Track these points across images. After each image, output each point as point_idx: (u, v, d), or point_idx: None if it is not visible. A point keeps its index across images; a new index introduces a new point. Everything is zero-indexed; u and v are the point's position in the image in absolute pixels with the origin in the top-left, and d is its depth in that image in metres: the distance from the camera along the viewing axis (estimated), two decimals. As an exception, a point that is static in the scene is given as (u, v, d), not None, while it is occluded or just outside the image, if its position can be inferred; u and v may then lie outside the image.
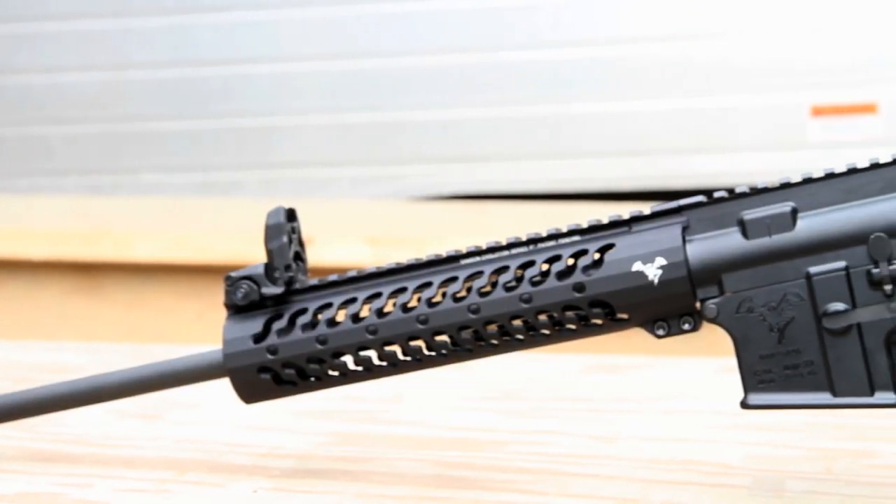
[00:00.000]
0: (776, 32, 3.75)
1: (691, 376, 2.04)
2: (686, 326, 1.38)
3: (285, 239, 1.48)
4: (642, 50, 3.87)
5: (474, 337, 1.42)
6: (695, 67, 3.81)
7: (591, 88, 3.92)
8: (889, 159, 1.31)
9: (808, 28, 3.73)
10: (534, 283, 1.39)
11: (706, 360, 2.06)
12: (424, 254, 1.46)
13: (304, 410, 1.80)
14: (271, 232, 1.48)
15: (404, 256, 1.48)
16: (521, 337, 1.42)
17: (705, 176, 3.67)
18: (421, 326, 1.42)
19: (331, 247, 3.37)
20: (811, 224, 1.32)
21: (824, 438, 1.63)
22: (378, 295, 1.45)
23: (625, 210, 1.40)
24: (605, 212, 1.42)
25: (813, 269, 1.32)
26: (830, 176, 1.33)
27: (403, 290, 1.44)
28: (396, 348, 1.45)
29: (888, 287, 1.30)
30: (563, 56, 3.93)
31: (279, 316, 1.48)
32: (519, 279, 1.40)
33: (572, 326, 1.40)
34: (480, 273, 1.42)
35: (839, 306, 1.31)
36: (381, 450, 1.66)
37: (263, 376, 1.48)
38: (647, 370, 2.08)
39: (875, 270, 1.30)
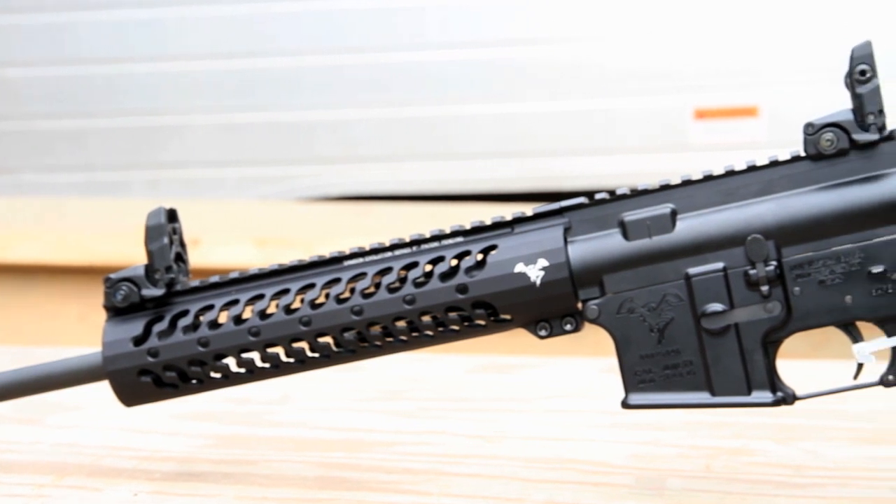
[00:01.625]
0: (660, 36, 3.79)
1: (576, 376, 2.05)
2: (568, 327, 1.39)
3: (166, 240, 1.46)
4: (529, 52, 3.89)
5: (358, 338, 1.42)
6: (580, 70, 3.85)
7: (478, 90, 3.93)
8: (766, 162, 1.34)
9: (691, 32, 3.78)
10: (417, 285, 1.39)
11: (591, 361, 2.08)
12: (313, 255, 1.45)
13: (185, 413, 1.78)
14: (151, 233, 1.46)
15: (292, 257, 1.47)
16: (404, 338, 1.42)
17: (590, 177, 3.71)
18: (304, 328, 1.42)
19: (218, 248, 3.34)
20: (690, 225, 1.34)
21: (704, 437, 1.65)
22: (261, 296, 1.44)
23: (508, 211, 1.41)
24: (491, 213, 1.42)
25: (692, 270, 1.34)
26: (709, 178, 1.35)
27: (286, 291, 1.44)
28: (279, 350, 1.44)
29: (765, 288, 1.32)
30: (451, 57, 3.94)
31: (160, 318, 1.46)
32: (402, 280, 1.40)
33: (455, 327, 1.41)
34: (364, 274, 1.42)
35: (717, 307, 1.33)
36: (264, 452, 1.65)
37: (144, 379, 1.46)
38: (532, 370, 2.09)
39: (752, 271, 1.32)
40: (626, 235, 1.35)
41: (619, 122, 3.88)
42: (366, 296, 1.40)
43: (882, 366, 1.32)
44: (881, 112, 1.29)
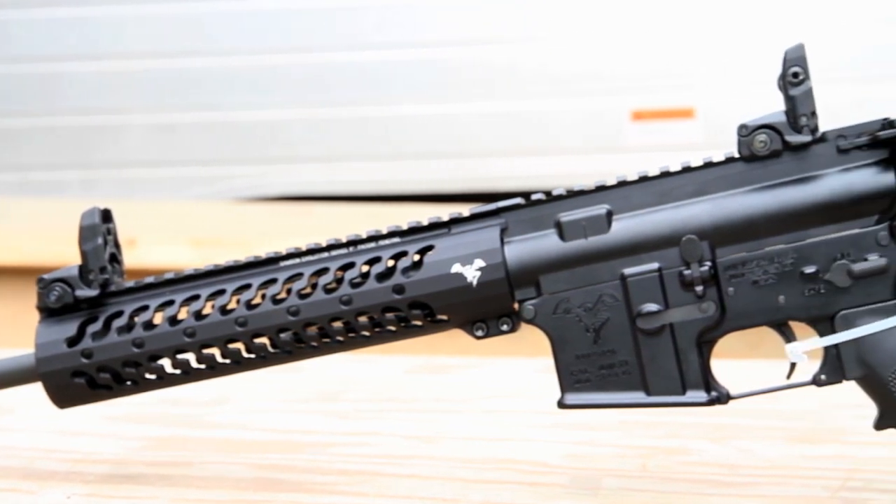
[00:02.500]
0: (597, 38, 3.81)
1: (514, 376, 2.06)
2: (504, 327, 1.39)
3: (100, 240, 1.45)
4: (466, 53, 3.89)
5: (294, 339, 1.42)
6: (517, 71, 3.86)
7: (416, 90, 3.93)
8: (700, 163, 1.35)
9: (628, 34, 3.80)
10: (353, 285, 1.39)
11: (529, 361, 2.08)
12: (249, 255, 1.44)
13: (120, 415, 1.77)
14: (85, 233, 1.45)
15: (229, 258, 1.46)
16: (341, 339, 1.42)
17: (527, 178, 3.72)
18: (240, 329, 1.41)
19: (154, 248, 3.32)
20: (626, 226, 1.35)
21: (640, 437, 1.66)
22: (196, 297, 1.43)
23: (445, 212, 1.41)
24: (428, 213, 1.42)
25: (627, 271, 1.34)
26: (644, 179, 1.36)
27: (222, 292, 1.43)
28: (215, 351, 1.43)
29: (699, 288, 1.33)
30: (388, 58, 3.94)
31: (94, 319, 1.45)
32: (339, 281, 1.40)
33: (392, 328, 1.41)
34: (300, 275, 1.41)
35: (652, 307, 1.34)
36: (200, 454, 1.64)
37: (77, 380, 1.45)
38: (470, 370, 2.10)
39: (687, 272, 1.33)
40: (562, 236, 1.36)
41: (556, 124, 3.89)
42: (302, 296, 1.40)
43: (815, 365, 1.33)
44: (813, 114, 1.30)
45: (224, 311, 1.42)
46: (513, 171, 3.90)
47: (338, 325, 1.40)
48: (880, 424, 1.33)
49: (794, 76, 1.29)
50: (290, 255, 1.43)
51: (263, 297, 1.41)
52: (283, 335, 1.41)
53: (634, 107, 3.84)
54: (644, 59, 3.83)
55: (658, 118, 3.83)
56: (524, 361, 2.11)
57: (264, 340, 1.42)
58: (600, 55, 3.86)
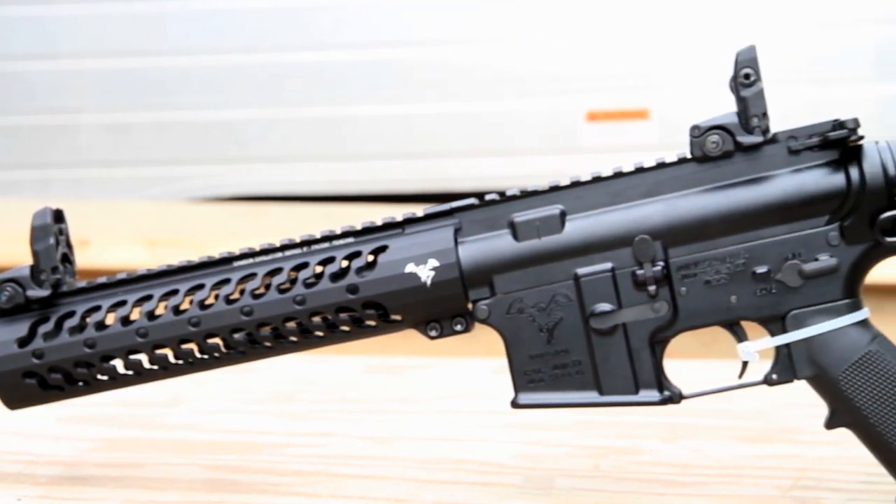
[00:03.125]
0: (552, 39, 3.81)
1: (469, 377, 2.06)
2: (458, 327, 1.39)
3: (52, 241, 1.44)
4: (422, 54, 3.89)
5: (248, 339, 1.41)
6: (473, 72, 3.86)
7: (372, 91, 3.92)
8: (653, 163, 1.35)
9: (583, 35, 3.81)
10: (307, 285, 1.39)
11: (484, 361, 2.09)
12: (203, 256, 1.44)
13: (71, 416, 1.75)
14: (37, 233, 1.44)
15: (183, 258, 1.46)
16: (295, 339, 1.42)
17: (482, 179, 3.72)
18: (193, 329, 1.40)
19: (108, 249, 3.29)
20: (579, 226, 1.35)
21: (593, 436, 1.66)
22: (149, 297, 1.43)
23: (400, 212, 1.41)
24: (384, 214, 1.42)
25: (581, 271, 1.35)
26: (598, 179, 1.36)
27: (175, 292, 1.42)
28: (168, 351, 1.43)
29: (652, 288, 1.33)
30: (345, 58, 3.93)
31: (45, 319, 1.44)
32: (293, 281, 1.40)
33: (346, 328, 1.40)
34: (254, 275, 1.41)
35: (605, 307, 1.34)
36: (153, 455, 1.63)
37: (29, 381, 1.44)
38: (425, 371, 2.10)
39: (640, 272, 1.34)
40: (515, 236, 1.36)
41: (511, 124, 3.89)
42: (256, 296, 1.40)
43: (767, 365, 1.34)
44: (765, 115, 1.31)
45: (177, 311, 1.41)
46: (468, 172, 3.90)
47: (291, 325, 1.40)
48: (831, 423, 1.34)
49: (745, 77, 1.30)
50: (243, 256, 1.42)
51: (217, 297, 1.41)
52: (236, 335, 1.41)
53: (589, 107, 3.84)
54: (599, 60, 3.84)
55: (613, 119, 3.84)
56: (480, 362, 2.11)
57: (218, 341, 1.42)
58: (556, 56, 3.86)
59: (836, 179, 1.30)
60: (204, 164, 4.11)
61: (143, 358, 1.43)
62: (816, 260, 1.31)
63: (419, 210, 1.40)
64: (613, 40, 3.83)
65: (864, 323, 1.32)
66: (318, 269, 1.39)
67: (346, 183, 3.98)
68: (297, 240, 1.41)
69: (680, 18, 3.80)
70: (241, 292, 1.40)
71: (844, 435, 1.34)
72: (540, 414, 1.49)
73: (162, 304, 1.42)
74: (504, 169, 3.87)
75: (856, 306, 1.32)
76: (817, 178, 1.30)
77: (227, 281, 1.41)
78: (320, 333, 1.41)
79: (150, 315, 1.42)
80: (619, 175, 1.35)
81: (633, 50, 3.83)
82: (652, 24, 3.83)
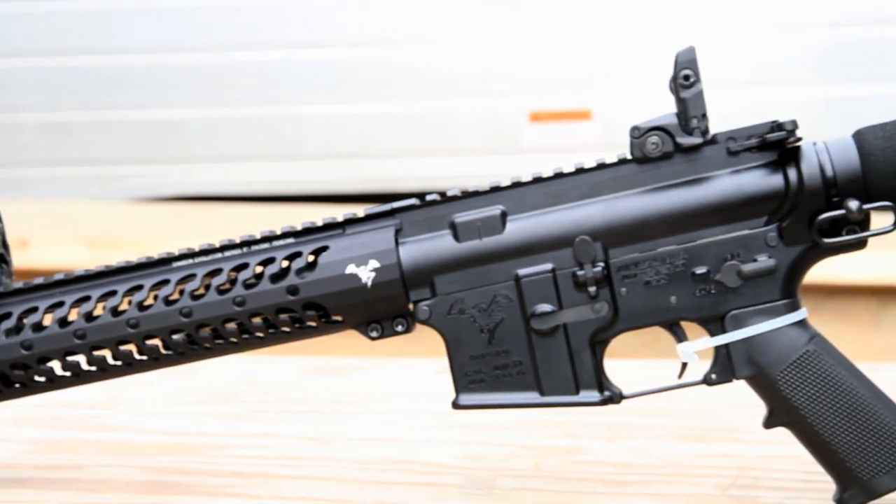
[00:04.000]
0: (495, 39, 3.82)
1: (411, 377, 2.06)
2: (399, 328, 1.39)
3: (-13, 241, 1.42)
4: (364, 53, 3.89)
5: (187, 340, 1.40)
6: (415, 72, 3.86)
7: (314, 90, 3.91)
8: (593, 164, 1.36)
9: (525, 36, 3.82)
10: (247, 286, 1.38)
11: (427, 361, 2.08)
12: (143, 256, 1.42)
13: (8, 418, 1.73)
14: (-28, 234, 1.42)
15: (124, 259, 1.44)
16: (234, 340, 1.41)
17: (425, 179, 3.71)
18: (132, 330, 1.39)
19: (47, 249, 3.27)
20: (520, 227, 1.35)
21: (535, 436, 1.67)
22: (87, 298, 1.41)
23: (341, 212, 1.41)
24: (326, 214, 1.42)
25: (521, 272, 1.35)
26: (538, 180, 1.36)
27: (113, 293, 1.41)
28: (106, 353, 1.42)
29: (592, 288, 1.34)
30: (286, 57, 3.91)
31: (-19, 321, 1.42)
32: (232, 282, 1.39)
33: (286, 329, 1.40)
34: (193, 276, 1.40)
35: (546, 307, 1.35)
36: (91, 457, 1.62)
37: (-36, 384, 1.42)
38: (368, 371, 2.09)
39: (580, 272, 1.34)
40: (456, 237, 1.36)
41: (454, 124, 3.90)
42: (195, 297, 1.39)
43: (706, 365, 1.35)
44: (704, 116, 1.32)
45: (115, 312, 1.40)
46: (411, 172, 3.90)
47: (231, 326, 1.39)
48: (769, 423, 1.35)
49: (685, 79, 1.31)
50: (182, 256, 1.41)
51: (156, 298, 1.40)
52: (175, 336, 1.40)
53: (532, 108, 3.85)
54: (542, 60, 3.85)
55: (555, 119, 3.85)
56: (422, 362, 2.11)
57: (156, 342, 1.41)
58: (498, 57, 3.87)
59: (775, 180, 1.31)
60: (145, 164, 4.08)
61: (81, 359, 1.42)
62: (755, 261, 1.32)
63: (360, 210, 1.40)
64: (556, 41, 3.84)
65: (802, 323, 1.33)
66: (259, 269, 1.39)
67: (289, 183, 3.97)
68: (237, 240, 1.40)
69: (622, 20, 3.82)
70: (181, 293, 1.39)
71: (783, 434, 1.35)
72: (482, 414, 1.49)
73: (100, 306, 1.41)
74: (447, 169, 3.87)
75: (794, 306, 1.33)
76: (756, 179, 1.31)
77: (166, 282, 1.40)
78: (260, 334, 1.40)
79: (88, 316, 1.40)
80: (559, 176, 1.36)
81: (576, 51, 3.85)
82: (595, 26, 3.85)
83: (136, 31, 4.00)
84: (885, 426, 1.31)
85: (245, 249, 1.40)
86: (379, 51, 3.92)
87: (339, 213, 1.41)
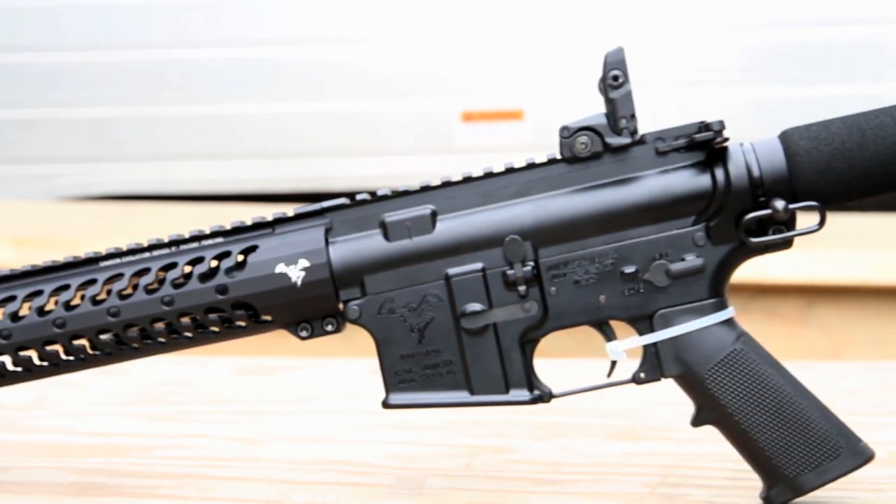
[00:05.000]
0: (428, 39, 3.82)
1: (342, 377, 2.06)
2: (329, 328, 1.38)
3: (-90, 240, 1.40)
4: (297, 52, 3.87)
5: (115, 340, 1.39)
6: (348, 71, 3.84)
7: (245, 89, 3.89)
8: (523, 164, 1.36)
9: (458, 36, 3.82)
10: (176, 286, 1.37)
11: (359, 361, 2.08)
12: (71, 256, 1.41)
13: (-67, 420, 1.72)
14: None
15: (52, 258, 1.42)
16: (163, 340, 1.40)
17: (358, 179, 3.71)
18: (57, 330, 1.38)
19: (-26, 248, 3.22)
20: (450, 226, 1.35)
21: (466, 436, 1.67)
22: (12, 298, 1.40)
23: (272, 212, 1.40)
24: (258, 213, 1.41)
25: (451, 271, 1.35)
26: (468, 180, 1.37)
27: (39, 293, 1.39)
28: (32, 353, 1.40)
29: (522, 288, 1.34)
30: (218, 55, 3.89)
31: None
32: (161, 281, 1.38)
33: (216, 329, 1.39)
34: (121, 275, 1.39)
35: (476, 307, 1.35)
36: (16, 459, 1.60)
37: None
38: (299, 371, 2.09)
39: (510, 272, 1.34)
40: (386, 236, 1.36)
41: (387, 124, 3.89)
42: (123, 297, 1.37)
43: (636, 363, 1.36)
44: (633, 116, 1.32)
45: (41, 312, 1.38)
46: (344, 172, 3.89)
47: (160, 326, 1.38)
48: (697, 421, 1.36)
49: (613, 79, 1.32)
50: (110, 256, 1.40)
51: (83, 297, 1.38)
52: (102, 336, 1.38)
53: (464, 108, 3.85)
54: (474, 60, 3.86)
55: (488, 119, 3.85)
56: (353, 362, 2.11)
57: (83, 342, 1.39)
58: (431, 56, 3.87)
59: (702, 180, 1.32)
60: (74, 163, 4.04)
61: (6, 360, 1.40)
62: (683, 260, 1.33)
63: (290, 210, 1.39)
64: (489, 41, 3.84)
65: (729, 322, 1.34)
66: (187, 269, 1.38)
67: (221, 182, 3.94)
68: (166, 240, 1.40)
69: (554, 19, 3.83)
70: (108, 293, 1.38)
71: (711, 432, 1.36)
72: (413, 414, 1.49)
73: (26, 305, 1.39)
74: (379, 169, 3.86)
75: (721, 305, 1.34)
76: (684, 179, 1.32)
77: (93, 281, 1.39)
78: (189, 334, 1.39)
79: (14, 316, 1.39)
80: (489, 175, 1.36)
81: (508, 51, 3.86)
82: (527, 26, 3.86)
83: (67, 29, 3.96)
84: (811, 424, 1.32)
85: (173, 249, 1.39)
86: (312, 50, 3.90)
87: (269, 212, 1.40)
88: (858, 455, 1.33)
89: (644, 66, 3.53)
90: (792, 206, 1.30)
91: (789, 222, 1.32)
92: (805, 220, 1.31)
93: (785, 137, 1.31)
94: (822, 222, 1.30)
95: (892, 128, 1.28)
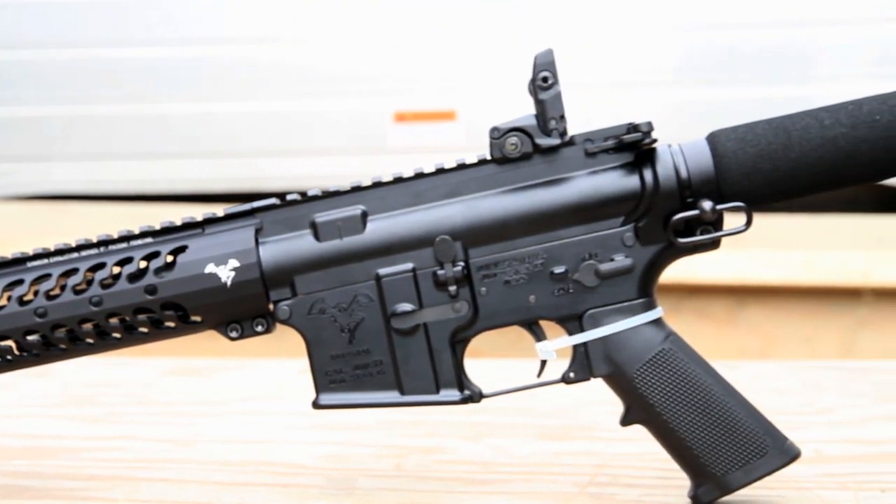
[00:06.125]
0: (361, 40, 3.81)
1: (274, 378, 2.05)
2: (259, 328, 1.38)
3: None
4: (230, 52, 3.85)
5: (42, 341, 1.38)
6: (281, 71, 3.83)
7: (178, 88, 3.86)
8: (454, 165, 1.36)
9: (392, 36, 3.82)
10: (104, 286, 1.36)
11: (291, 362, 2.07)
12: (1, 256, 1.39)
13: None
14: None
15: (-20, 258, 1.41)
16: (91, 341, 1.38)
17: (292, 179, 3.69)
18: (-17, 331, 1.36)
19: None
20: (380, 227, 1.35)
21: (397, 436, 1.67)
22: (-64, 299, 1.38)
23: (202, 212, 1.39)
24: (190, 214, 1.40)
25: (382, 271, 1.35)
26: (399, 180, 1.37)
27: (-36, 293, 1.38)
28: (-43, 354, 1.38)
29: (452, 288, 1.34)
30: (150, 55, 3.86)
31: None
32: (89, 282, 1.36)
33: (145, 329, 1.38)
34: (48, 276, 1.37)
35: (406, 307, 1.35)
36: (-59, 462, 1.58)
37: None
38: (231, 372, 2.08)
39: (440, 272, 1.34)
40: (317, 236, 1.36)
41: (319, 124, 3.88)
42: (50, 297, 1.36)
43: (566, 363, 1.36)
44: (562, 117, 1.33)
45: (-35, 313, 1.36)
46: (277, 172, 3.87)
47: (88, 326, 1.37)
48: (626, 420, 1.37)
49: (543, 80, 1.32)
50: (37, 256, 1.39)
51: (9, 298, 1.37)
52: (30, 337, 1.37)
53: (397, 108, 3.85)
54: (407, 61, 3.86)
55: (420, 120, 3.85)
56: (285, 363, 2.10)
57: (10, 343, 1.38)
58: (364, 56, 3.86)
59: (631, 181, 1.33)
60: (3, 162, 3.99)
61: (-69, 361, 1.38)
62: (612, 260, 1.34)
63: (220, 210, 1.39)
64: (422, 41, 3.84)
65: (658, 322, 1.35)
66: (116, 269, 1.37)
67: (153, 182, 3.91)
68: (94, 240, 1.38)
69: (487, 21, 3.84)
70: (35, 293, 1.37)
71: (640, 432, 1.37)
72: (344, 414, 1.49)
73: (-49, 306, 1.37)
74: (313, 169, 3.85)
75: (650, 305, 1.35)
76: (612, 180, 1.33)
77: (19, 282, 1.37)
78: (118, 335, 1.38)
79: (-61, 317, 1.37)
80: (420, 176, 1.36)
81: (441, 51, 3.86)
82: (460, 26, 3.87)
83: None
84: (738, 423, 1.33)
85: (102, 249, 1.38)
86: (245, 49, 3.88)
87: (200, 212, 1.39)
88: (785, 453, 1.34)
89: (577, 68, 3.56)
90: (719, 206, 1.31)
91: (717, 223, 1.33)
92: (733, 220, 1.33)
93: (712, 139, 1.32)
94: (748, 223, 1.32)
95: (817, 129, 1.29)
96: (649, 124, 1.31)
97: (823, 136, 1.29)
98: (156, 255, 1.37)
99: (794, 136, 1.29)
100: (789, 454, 1.34)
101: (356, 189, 1.37)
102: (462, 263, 1.34)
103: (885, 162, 1.29)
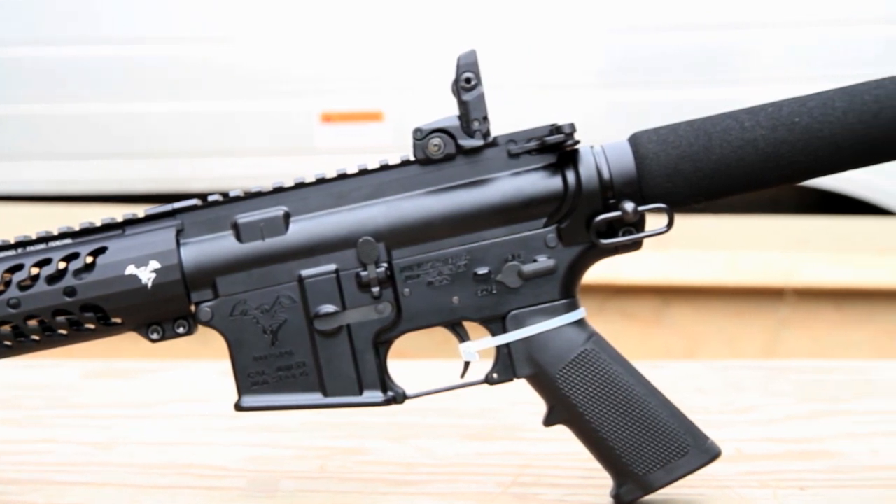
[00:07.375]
0: (287, 39, 3.80)
1: (197, 380, 2.03)
2: (181, 330, 1.37)
3: None
4: (154, 50, 3.82)
5: (-42, 344, 1.36)
6: (206, 70, 3.81)
7: (100, 88, 3.83)
8: (377, 165, 1.36)
9: (318, 36, 3.81)
10: (22, 288, 1.34)
11: (213, 364, 2.06)
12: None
13: None
14: None
15: None
16: (9, 343, 1.37)
17: (216, 179, 3.67)
18: None
19: None
20: (303, 228, 1.35)
21: (320, 437, 1.66)
22: None
23: (122, 213, 1.38)
24: (112, 214, 1.39)
25: (305, 272, 1.34)
26: (322, 181, 1.36)
27: None
28: None
29: (375, 289, 1.34)
30: (71, 54, 3.82)
31: None
32: (6, 284, 1.35)
33: (64, 331, 1.36)
34: (-36, 277, 1.35)
35: (329, 308, 1.35)
36: None
37: None
38: (152, 374, 2.06)
39: (363, 273, 1.34)
40: (239, 237, 1.35)
41: (245, 124, 3.86)
42: (-34, 299, 1.34)
43: (490, 364, 1.36)
44: (485, 118, 1.33)
45: None
46: (201, 172, 3.85)
47: (5, 329, 1.35)
48: (549, 421, 1.37)
49: (466, 81, 1.32)
50: (-49, 258, 1.37)
51: (-76, 300, 1.35)
52: (-55, 340, 1.35)
53: (324, 109, 3.84)
54: (334, 61, 3.85)
55: (347, 120, 3.85)
56: (206, 364, 2.08)
57: (-75, 346, 1.36)
58: (290, 56, 3.85)
59: (553, 183, 1.33)
60: (-79, 162, 3.93)
61: None
62: (535, 261, 1.34)
63: (141, 211, 1.37)
64: (348, 41, 3.84)
65: (580, 322, 1.36)
66: (34, 270, 1.35)
67: (73, 183, 3.87)
68: (12, 241, 1.37)
69: (414, 21, 3.84)
70: (-51, 295, 1.35)
71: (563, 432, 1.37)
72: (268, 416, 1.48)
73: None
74: (239, 169, 3.83)
75: (573, 306, 1.36)
76: (535, 181, 1.33)
77: (-68, 284, 1.35)
78: (36, 337, 1.36)
79: None
80: (343, 177, 1.36)
81: (368, 52, 3.85)
82: (386, 26, 3.86)
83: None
84: (660, 423, 1.34)
85: (20, 250, 1.37)
86: (170, 49, 3.85)
87: (120, 213, 1.38)
88: (706, 453, 1.35)
89: (502, 69, 3.57)
90: (641, 208, 1.32)
91: (639, 224, 1.34)
92: (655, 221, 1.34)
93: (634, 140, 1.33)
94: (670, 224, 1.33)
95: (738, 131, 1.30)
96: (572, 126, 1.31)
97: (743, 137, 1.30)
98: (75, 256, 1.35)
99: (714, 138, 1.31)
100: (710, 453, 1.35)
101: (278, 190, 1.36)
102: (385, 264, 1.34)
103: (805, 164, 1.31)
